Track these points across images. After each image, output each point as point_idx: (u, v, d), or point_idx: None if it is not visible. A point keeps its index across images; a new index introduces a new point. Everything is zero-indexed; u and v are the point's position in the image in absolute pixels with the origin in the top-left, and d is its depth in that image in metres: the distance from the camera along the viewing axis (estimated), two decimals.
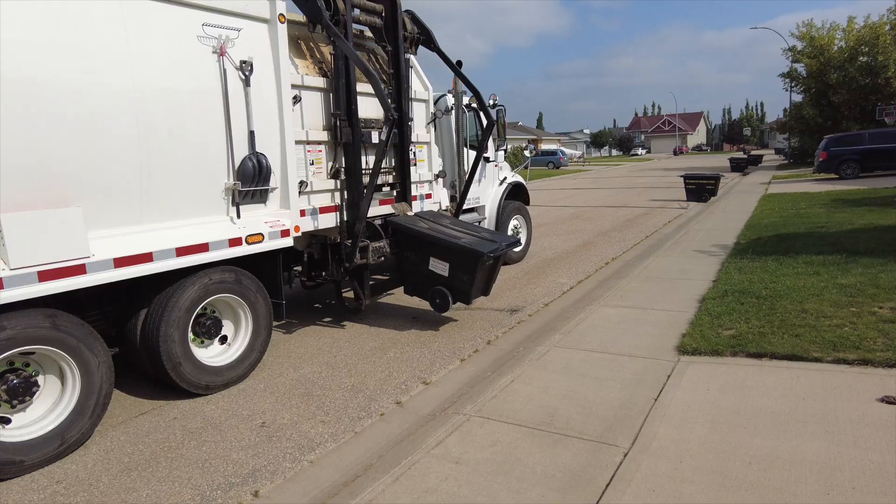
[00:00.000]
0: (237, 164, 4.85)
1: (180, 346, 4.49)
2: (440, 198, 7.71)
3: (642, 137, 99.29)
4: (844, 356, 4.44)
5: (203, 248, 4.55)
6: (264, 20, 5.02)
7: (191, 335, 4.78)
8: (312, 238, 6.27)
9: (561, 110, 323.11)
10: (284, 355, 5.65)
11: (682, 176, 18.21)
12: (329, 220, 5.92)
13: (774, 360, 4.56)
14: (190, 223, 4.56)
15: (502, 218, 9.11)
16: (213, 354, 4.93)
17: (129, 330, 4.56)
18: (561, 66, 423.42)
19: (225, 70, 4.67)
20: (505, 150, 10.41)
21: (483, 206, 9.03)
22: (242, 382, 4.99)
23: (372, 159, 6.31)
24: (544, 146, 66.46)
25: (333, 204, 5.95)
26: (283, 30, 5.10)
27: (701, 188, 17.26)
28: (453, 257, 6.01)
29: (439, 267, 6.08)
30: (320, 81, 5.70)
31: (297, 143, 5.48)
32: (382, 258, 6.14)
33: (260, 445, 3.93)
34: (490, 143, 8.95)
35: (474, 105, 8.58)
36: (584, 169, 49.01)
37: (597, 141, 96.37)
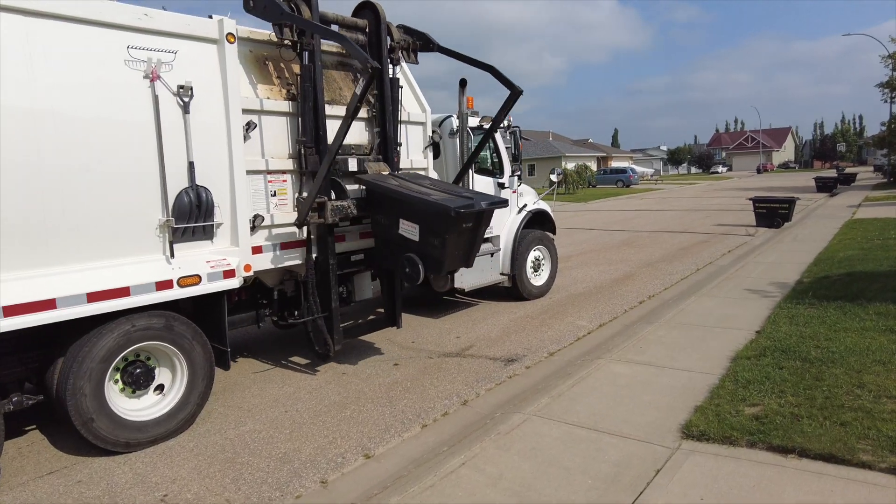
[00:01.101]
0: (172, 198, 4.42)
1: (93, 401, 4.04)
2: None
3: (723, 154, 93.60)
4: None
5: (122, 292, 4.11)
6: (210, 40, 4.59)
7: (118, 385, 4.36)
8: (286, 274, 5.76)
9: (638, 127, 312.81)
10: (237, 405, 5.12)
11: (751, 199, 16.43)
12: (295, 257, 5.38)
13: (804, 460, 3.46)
14: (111, 265, 4.14)
15: (520, 249, 8.25)
16: (144, 406, 4.46)
17: (47, 379, 4.18)
18: (639, 82, 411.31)
19: (157, 96, 4.25)
20: (560, 173, 9.61)
21: (498, 237, 8.22)
22: (174, 438, 4.49)
23: (347, 189, 5.76)
24: (614, 163, 64.06)
25: (301, 238, 5.41)
26: (232, 50, 4.66)
27: (772, 212, 15.45)
28: (422, 217, 5.18)
29: (409, 230, 5.27)
30: (285, 105, 5.21)
31: (253, 173, 5.00)
32: (341, 219, 5.34)
33: None
34: (506, 167, 8.17)
35: (486, 126, 7.85)
36: (655, 188, 46.47)
37: (674, 158, 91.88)
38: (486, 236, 7.98)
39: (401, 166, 6.39)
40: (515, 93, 6.13)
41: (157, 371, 4.57)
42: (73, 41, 3.87)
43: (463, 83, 6.95)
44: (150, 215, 4.33)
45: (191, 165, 4.49)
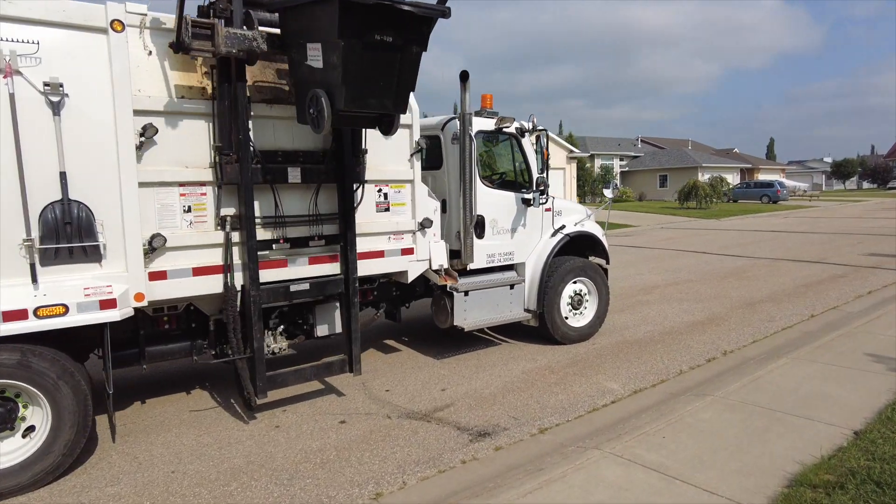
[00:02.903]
0: (37, 214, 3.77)
1: None
2: (429, 253, 5.79)
3: None
4: None
5: None
6: (95, 29, 3.88)
7: None
8: None
9: (798, 136, 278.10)
10: (135, 454, 4.36)
11: None
12: (212, 284, 4.52)
13: None
14: None
15: (551, 281, 6.70)
16: (3, 452, 3.86)
17: None
18: (805, 87, 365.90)
19: (13, 94, 3.62)
20: (616, 187, 7.93)
21: (522, 265, 6.76)
22: (29, 494, 3.82)
23: (288, 203, 4.83)
24: (762, 176, 56.81)
25: (222, 263, 4.55)
26: (120, 40, 3.91)
27: None
28: (318, 25, 3.91)
29: (314, 55, 4.03)
30: (203, 105, 4.39)
31: (156, 185, 4.24)
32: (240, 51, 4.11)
33: None
34: (534, 177, 6.67)
35: (509, 129, 6.46)
36: (808, 205, 40.03)
37: (840, 171, 79.24)
38: (507, 263, 6.59)
39: (375, 178, 5.32)
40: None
41: (28, 411, 3.95)
42: None
43: (464, 76, 5.68)
44: (11, 233, 3.71)
45: (62, 176, 3.82)
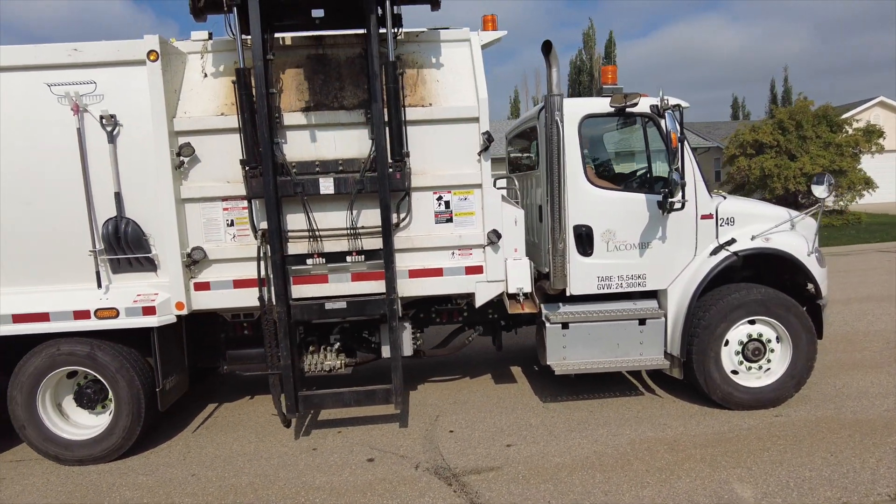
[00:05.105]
0: (99, 228, 4.40)
1: (24, 410, 4.44)
2: (505, 273, 4.75)
3: None
4: None
5: (42, 317, 4.34)
6: (134, 63, 4.25)
7: (73, 401, 4.68)
8: None
9: None
10: (188, 449, 4.73)
11: None
12: (251, 297, 4.56)
13: None
14: (46, 290, 4.41)
15: (705, 318, 4.79)
16: (90, 424, 4.66)
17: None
18: None
19: (79, 129, 4.26)
20: (830, 182, 5.38)
21: (665, 291, 5.00)
22: (93, 466, 4.48)
23: (326, 216, 4.58)
24: None
25: (256, 277, 4.54)
26: (155, 69, 4.22)
27: None
28: None
29: None
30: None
31: (200, 200, 4.49)
32: None
33: None
34: (686, 176, 4.81)
35: (636, 109, 4.81)
36: None
37: None
38: (635, 289, 5.01)
39: (432, 184, 4.62)
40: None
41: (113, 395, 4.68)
42: (11, 86, 4.26)
43: (547, 47, 4.43)
44: (83, 245, 4.40)
45: (117, 196, 4.35)
